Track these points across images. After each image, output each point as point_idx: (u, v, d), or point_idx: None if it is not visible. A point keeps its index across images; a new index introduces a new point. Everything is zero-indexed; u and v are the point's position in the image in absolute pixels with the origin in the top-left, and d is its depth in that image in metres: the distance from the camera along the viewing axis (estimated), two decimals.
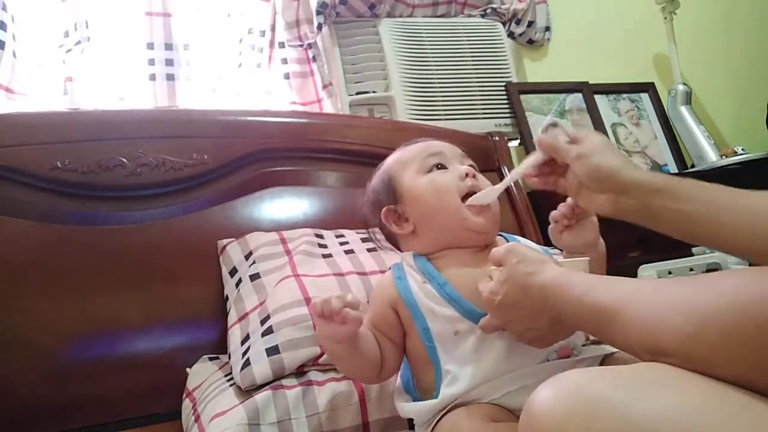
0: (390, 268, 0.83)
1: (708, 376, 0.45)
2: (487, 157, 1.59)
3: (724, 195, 0.61)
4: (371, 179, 0.91)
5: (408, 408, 0.77)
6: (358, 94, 1.66)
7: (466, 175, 0.81)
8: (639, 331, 0.51)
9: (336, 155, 1.39)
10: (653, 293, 0.53)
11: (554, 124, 1.84)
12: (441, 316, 0.74)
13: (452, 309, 0.74)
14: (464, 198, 0.80)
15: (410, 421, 0.84)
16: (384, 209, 0.85)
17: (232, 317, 1.03)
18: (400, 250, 0.88)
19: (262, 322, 0.94)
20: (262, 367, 0.86)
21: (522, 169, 0.76)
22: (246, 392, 0.85)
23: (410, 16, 1.81)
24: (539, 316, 0.63)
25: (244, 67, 1.58)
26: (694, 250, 1.30)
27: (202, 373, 1.02)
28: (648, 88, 2.04)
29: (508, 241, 0.84)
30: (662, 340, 0.48)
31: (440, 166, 0.83)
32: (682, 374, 0.45)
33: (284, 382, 0.86)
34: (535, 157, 0.75)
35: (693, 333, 0.46)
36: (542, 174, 0.76)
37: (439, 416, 0.72)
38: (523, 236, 1.44)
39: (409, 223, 0.83)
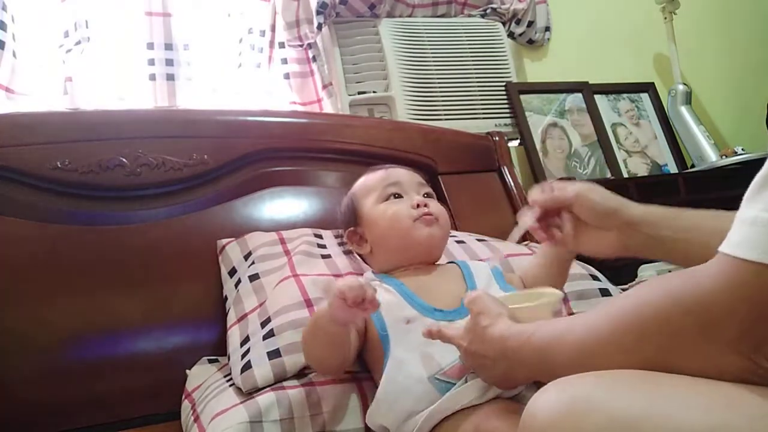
0: None
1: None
2: (487, 157, 1.59)
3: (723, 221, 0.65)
4: (342, 200, 1.02)
5: (375, 410, 0.79)
6: (358, 94, 1.67)
7: (418, 204, 0.91)
8: (571, 357, 0.54)
9: (336, 155, 1.39)
10: (584, 318, 0.56)
11: (554, 125, 1.84)
12: (395, 307, 0.82)
13: (404, 301, 0.83)
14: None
15: None
16: (348, 231, 0.98)
17: (231, 318, 1.03)
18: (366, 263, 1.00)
19: (263, 325, 0.94)
20: (263, 370, 0.86)
21: (523, 227, 0.80)
22: (246, 394, 0.85)
23: (410, 16, 1.81)
24: (495, 365, 0.66)
25: (244, 67, 1.58)
26: None
27: (201, 375, 1.02)
28: (648, 88, 2.04)
29: (459, 267, 0.92)
30: (592, 355, 0.52)
31: (397, 195, 0.93)
32: (662, 376, 0.47)
33: (285, 383, 0.86)
34: (531, 214, 0.78)
35: (608, 344, 0.51)
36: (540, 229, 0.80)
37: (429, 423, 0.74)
38: (523, 236, 1.44)
39: (367, 244, 0.95)
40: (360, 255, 1.00)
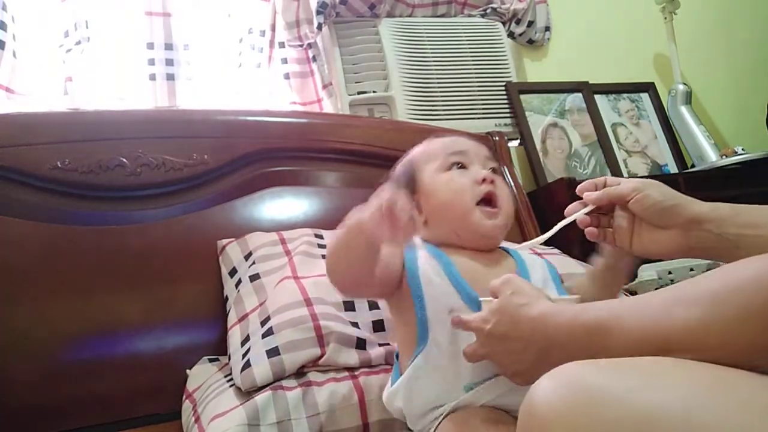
0: None
1: (717, 362, 0.44)
2: None
3: None
4: (400, 161, 0.91)
5: (395, 395, 0.76)
6: (358, 94, 1.66)
7: (483, 180, 0.81)
8: (642, 330, 0.49)
9: (336, 155, 1.39)
10: (652, 295, 0.52)
11: (554, 124, 1.84)
12: (439, 288, 0.75)
13: (451, 286, 0.75)
14: (479, 203, 0.80)
15: None
16: None
17: (232, 318, 1.03)
18: None
19: (263, 324, 0.94)
20: (262, 369, 0.86)
21: (571, 219, 0.73)
22: (246, 393, 0.85)
23: (410, 16, 1.81)
24: (527, 349, 0.61)
25: (244, 67, 1.58)
26: None
27: (201, 375, 1.02)
28: (648, 88, 2.04)
29: (509, 253, 0.85)
30: (670, 332, 0.47)
31: (460, 166, 0.83)
32: (684, 365, 0.44)
33: (284, 383, 0.86)
34: (582, 209, 0.72)
35: (703, 316, 0.45)
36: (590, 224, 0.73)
37: (438, 418, 0.72)
38: (523, 236, 1.45)
39: (422, 215, 0.84)
40: None
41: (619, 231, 0.70)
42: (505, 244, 0.86)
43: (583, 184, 0.73)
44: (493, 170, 0.85)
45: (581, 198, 0.74)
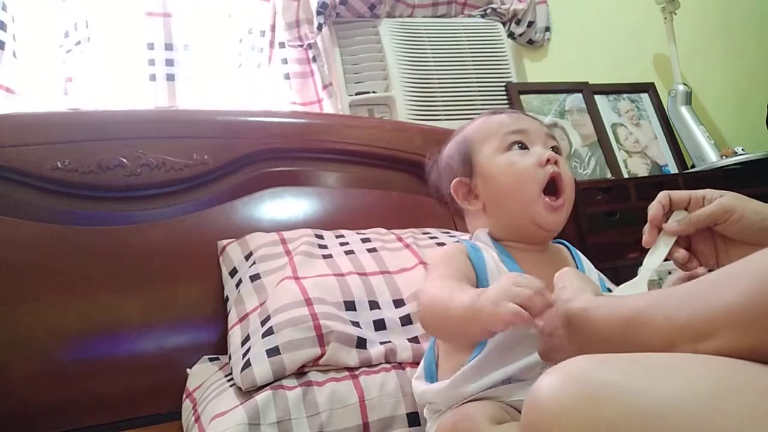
0: (458, 241, 0.80)
1: (757, 354, 0.41)
2: None
3: None
4: (448, 141, 0.85)
5: (429, 391, 0.75)
6: (358, 94, 1.67)
7: (547, 161, 0.76)
8: (683, 316, 0.45)
9: (336, 155, 1.39)
10: (696, 281, 0.48)
11: (554, 124, 1.84)
12: None
13: None
14: (545, 190, 0.75)
15: (410, 418, 0.85)
16: (455, 180, 0.82)
17: (233, 318, 1.03)
18: (463, 220, 0.86)
19: (263, 323, 0.94)
20: (262, 368, 0.86)
21: (662, 258, 0.68)
22: (246, 393, 0.85)
23: (410, 16, 1.81)
24: (570, 345, 0.57)
25: (244, 67, 1.58)
26: None
27: (202, 374, 1.02)
28: (648, 88, 2.05)
29: (569, 249, 0.83)
30: (712, 315, 0.43)
31: (521, 146, 0.78)
32: (697, 360, 0.42)
33: (284, 382, 0.86)
34: (665, 246, 0.68)
35: (750, 297, 0.41)
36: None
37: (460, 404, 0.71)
38: None
39: (479, 201, 0.81)
40: (461, 212, 0.84)
41: (703, 253, 0.67)
42: None
43: (653, 212, 0.68)
44: (555, 149, 0.80)
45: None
